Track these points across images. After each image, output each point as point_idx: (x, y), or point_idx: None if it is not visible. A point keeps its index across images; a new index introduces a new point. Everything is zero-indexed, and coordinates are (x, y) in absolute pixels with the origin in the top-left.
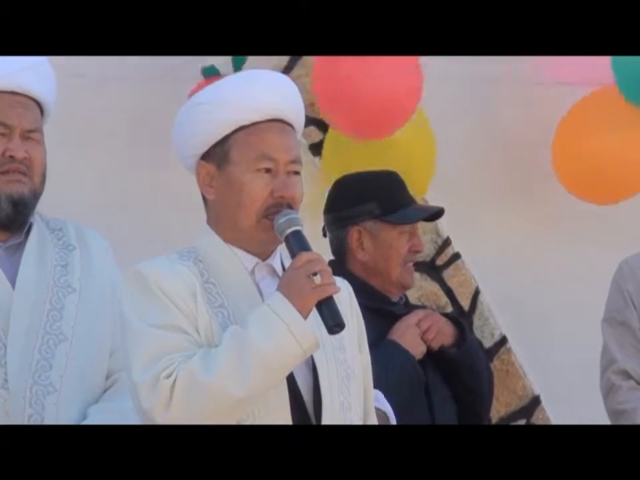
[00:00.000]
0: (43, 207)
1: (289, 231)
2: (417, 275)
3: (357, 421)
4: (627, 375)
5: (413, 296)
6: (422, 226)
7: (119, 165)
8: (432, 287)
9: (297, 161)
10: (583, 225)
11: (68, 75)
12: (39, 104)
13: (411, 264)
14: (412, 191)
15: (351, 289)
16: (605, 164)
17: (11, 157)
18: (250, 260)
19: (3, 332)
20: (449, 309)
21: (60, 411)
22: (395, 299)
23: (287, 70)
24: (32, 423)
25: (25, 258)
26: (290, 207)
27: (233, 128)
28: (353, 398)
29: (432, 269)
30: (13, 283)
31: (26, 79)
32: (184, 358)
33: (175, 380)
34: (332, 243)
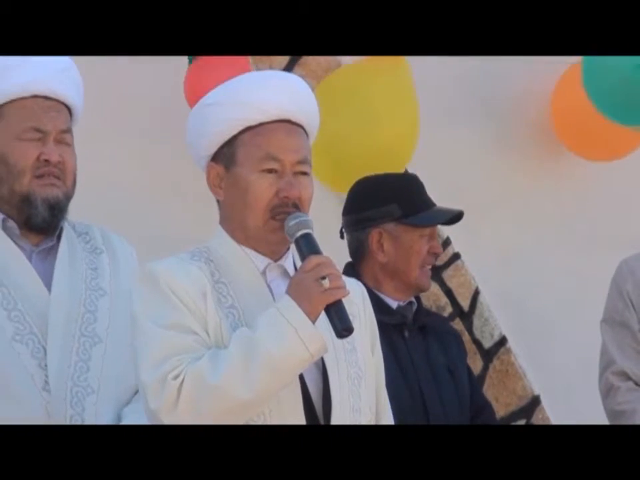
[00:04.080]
0: None
1: (299, 233)
2: None
3: (366, 423)
4: (626, 376)
5: None
6: None
7: (121, 165)
8: (432, 287)
9: (304, 161)
10: (583, 225)
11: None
12: (68, 108)
13: (429, 267)
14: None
15: (364, 289)
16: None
17: (46, 160)
18: (261, 260)
19: (41, 335)
20: (449, 309)
21: (99, 411)
22: (400, 303)
23: (286, 70)
24: (73, 423)
25: (58, 262)
26: (296, 207)
27: (240, 128)
28: (363, 400)
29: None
30: (48, 286)
31: (58, 84)
32: (192, 359)
33: (182, 381)
34: (350, 244)
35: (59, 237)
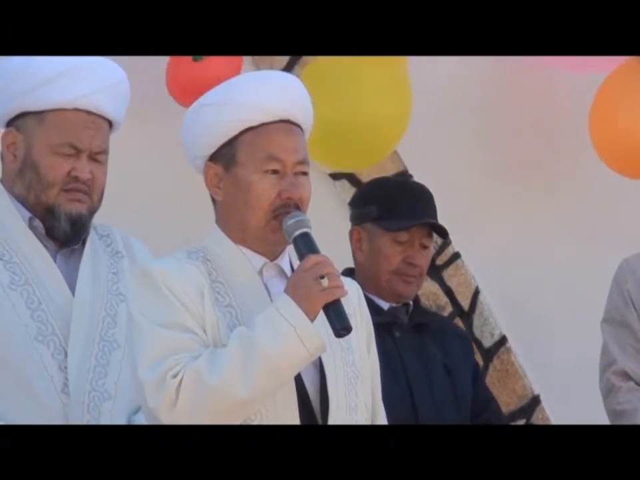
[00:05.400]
0: None
1: (297, 232)
2: None
3: (363, 422)
4: (627, 376)
5: None
6: None
7: (121, 164)
8: (432, 286)
9: (304, 161)
10: (583, 225)
11: None
12: (110, 122)
13: (409, 277)
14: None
15: (360, 289)
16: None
17: (76, 177)
18: (258, 260)
19: (63, 337)
20: (449, 309)
21: (114, 417)
22: (392, 304)
23: (286, 70)
24: None
25: (82, 266)
26: (298, 207)
27: (241, 129)
28: (360, 399)
29: (432, 269)
30: (71, 287)
31: (103, 100)
32: (190, 358)
33: (181, 380)
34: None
35: (83, 240)
